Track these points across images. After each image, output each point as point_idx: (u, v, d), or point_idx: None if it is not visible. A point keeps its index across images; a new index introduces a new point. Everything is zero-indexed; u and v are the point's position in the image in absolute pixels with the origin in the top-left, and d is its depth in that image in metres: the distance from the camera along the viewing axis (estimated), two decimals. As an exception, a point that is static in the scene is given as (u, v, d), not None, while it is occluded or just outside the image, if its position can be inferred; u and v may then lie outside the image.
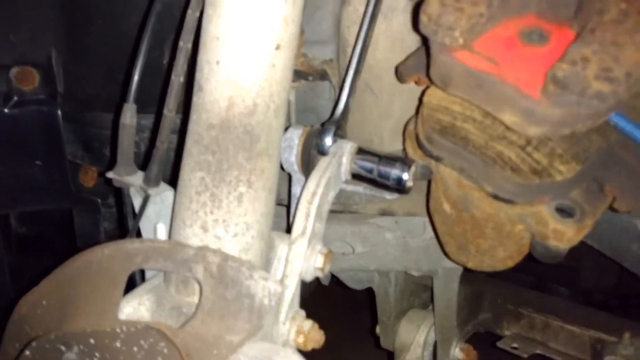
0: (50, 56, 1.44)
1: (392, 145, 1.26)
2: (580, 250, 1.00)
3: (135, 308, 0.94)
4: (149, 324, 0.84)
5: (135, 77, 1.03)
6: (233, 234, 0.90)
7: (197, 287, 0.90)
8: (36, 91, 1.46)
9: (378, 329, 1.67)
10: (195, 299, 0.91)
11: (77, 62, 1.46)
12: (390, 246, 1.37)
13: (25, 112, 1.47)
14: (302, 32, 1.22)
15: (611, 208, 0.91)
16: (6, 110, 1.46)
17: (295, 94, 1.30)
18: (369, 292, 1.64)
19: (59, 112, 1.49)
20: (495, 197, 0.86)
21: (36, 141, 1.51)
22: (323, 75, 1.26)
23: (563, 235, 0.88)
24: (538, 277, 2.02)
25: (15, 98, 1.46)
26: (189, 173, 0.91)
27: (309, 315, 1.00)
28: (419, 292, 1.73)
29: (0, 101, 1.45)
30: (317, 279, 1.03)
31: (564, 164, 0.84)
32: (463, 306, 1.59)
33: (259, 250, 0.94)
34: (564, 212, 0.89)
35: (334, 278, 1.56)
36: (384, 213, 1.36)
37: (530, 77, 0.76)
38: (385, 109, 1.23)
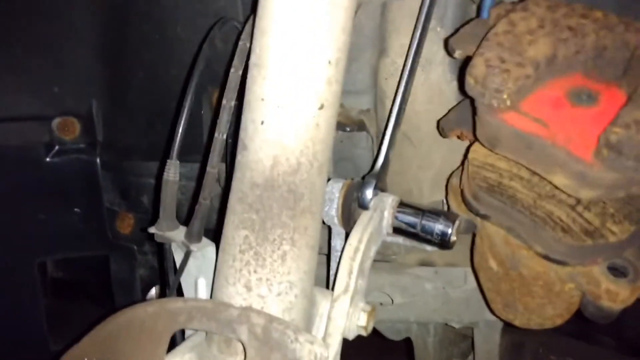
0: (91, 107, 1.47)
1: (432, 195, 1.24)
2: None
3: (177, 367, 0.93)
4: (193, 387, 0.83)
5: (179, 135, 1.03)
6: (277, 293, 0.89)
7: (239, 347, 0.89)
8: (77, 140, 1.49)
9: (416, 380, 1.63)
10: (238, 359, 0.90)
11: (116, 113, 1.49)
12: (430, 297, 1.34)
13: (66, 160, 1.50)
14: (339, 83, 1.23)
15: (665, 267, 0.89)
16: (47, 159, 1.49)
17: (333, 144, 1.30)
18: (407, 339, 1.61)
19: (98, 160, 1.52)
20: (546, 258, 0.84)
21: (75, 189, 1.54)
22: (361, 126, 1.26)
23: (616, 296, 0.86)
24: (580, 325, 1.96)
25: (57, 147, 1.49)
26: (233, 231, 0.91)
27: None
28: (458, 342, 1.69)
29: (42, 150, 1.48)
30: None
31: (616, 224, 0.82)
32: (503, 356, 1.55)
33: (302, 309, 0.93)
34: (616, 271, 0.87)
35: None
36: (423, 263, 1.34)
37: (581, 139, 0.75)
38: (424, 160, 1.22)
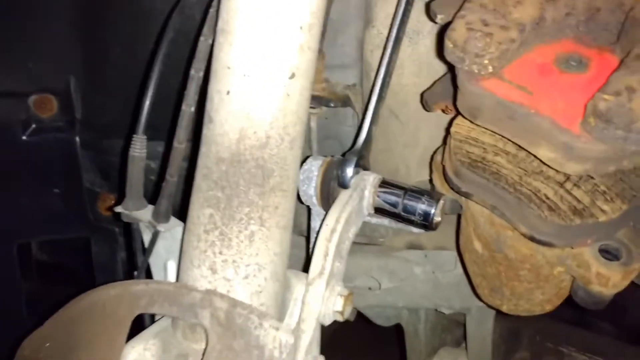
0: (69, 83, 1.41)
1: (419, 175, 1.18)
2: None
3: (140, 354, 0.88)
4: (150, 376, 0.78)
5: (145, 108, 0.98)
6: (244, 276, 0.84)
7: (204, 333, 0.84)
8: (54, 118, 1.43)
9: (407, 368, 1.57)
10: (203, 346, 0.85)
11: (95, 90, 1.43)
12: (419, 282, 1.29)
13: (44, 139, 1.44)
14: (323, 56, 1.16)
15: (663, 249, 0.82)
16: (25, 138, 1.43)
17: (317, 121, 1.24)
18: (398, 326, 1.55)
19: (77, 139, 1.46)
20: (532, 239, 0.78)
21: (54, 169, 1.48)
22: (346, 102, 1.20)
23: (608, 280, 0.79)
24: (579, 311, 1.89)
25: (34, 125, 1.43)
26: (198, 210, 0.85)
27: (335, 348, 0.92)
28: (452, 328, 1.63)
29: (19, 128, 1.43)
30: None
31: (608, 202, 0.76)
32: (499, 344, 1.49)
33: (272, 293, 0.87)
34: (608, 253, 0.81)
35: (359, 312, 1.48)
36: (412, 246, 1.28)
37: (569, 108, 0.68)
38: (411, 137, 1.16)
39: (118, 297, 0.87)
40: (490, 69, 0.71)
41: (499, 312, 1.42)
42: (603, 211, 0.75)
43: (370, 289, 1.35)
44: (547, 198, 0.76)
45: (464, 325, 1.48)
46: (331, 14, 1.14)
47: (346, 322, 1.05)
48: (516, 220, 0.79)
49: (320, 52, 1.17)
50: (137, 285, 0.86)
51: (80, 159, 1.47)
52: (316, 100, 1.18)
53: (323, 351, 0.96)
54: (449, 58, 0.73)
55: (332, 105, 1.20)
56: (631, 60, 0.67)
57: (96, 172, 1.49)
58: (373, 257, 1.32)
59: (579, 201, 0.76)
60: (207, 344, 0.79)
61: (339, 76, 1.22)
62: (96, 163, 1.48)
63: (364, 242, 1.32)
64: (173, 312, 0.82)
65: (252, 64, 0.81)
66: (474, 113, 0.75)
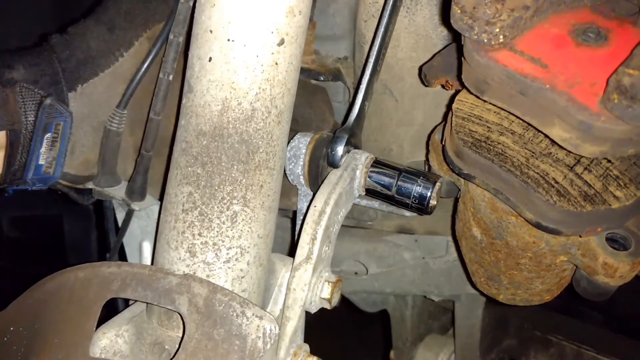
0: None
1: (413, 155, 1.12)
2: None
3: (112, 340, 0.82)
4: (120, 367, 0.72)
5: (135, 82, 0.89)
6: (225, 260, 0.78)
7: (181, 320, 0.77)
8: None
9: (392, 355, 1.53)
10: (180, 334, 0.79)
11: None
12: (409, 267, 1.23)
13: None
14: (313, 26, 1.09)
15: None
16: None
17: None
18: (384, 311, 1.50)
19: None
20: (538, 226, 0.72)
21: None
22: (337, 75, 1.13)
23: (615, 271, 0.75)
24: (568, 299, 1.85)
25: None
26: (175, 187, 0.78)
27: (317, 328, 0.87)
28: (438, 315, 1.59)
29: None
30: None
31: (621, 188, 0.70)
32: (487, 332, 1.45)
33: (255, 278, 0.81)
34: (616, 243, 0.75)
35: (344, 297, 1.43)
36: (402, 230, 1.23)
37: (587, 83, 0.62)
38: (406, 115, 1.10)
39: (87, 280, 0.80)
40: (501, 38, 0.65)
41: (487, 300, 1.38)
42: (616, 197, 0.69)
43: (356, 274, 1.29)
44: (556, 182, 0.71)
45: (452, 312, 1.43)
46: (322, -21, 1.07)
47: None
48: (521, 206, 0.73)
49: (311, 21, 1.10)
50: (108, 268, 0.79)
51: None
52: (305, 74, 1.11)
53: (306, 338, 0.91)
54: (455, 26, 0.67)
55: (321, 79, 1.13)
56: (658, 32, 0.61)
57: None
58: (361, 241, 1.26)
59: (590, 186, 0.70)
60: (184, 332, 0.73)
61: (330, 48, 1.15)
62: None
63: (352, 225, 1.26)
64: (148, 297, 0.76)
65: (237, 27, 0.73)
66: (482, 87, 0.68)
